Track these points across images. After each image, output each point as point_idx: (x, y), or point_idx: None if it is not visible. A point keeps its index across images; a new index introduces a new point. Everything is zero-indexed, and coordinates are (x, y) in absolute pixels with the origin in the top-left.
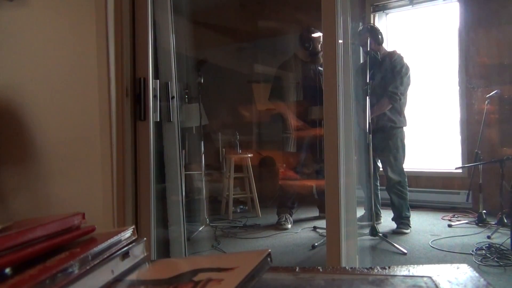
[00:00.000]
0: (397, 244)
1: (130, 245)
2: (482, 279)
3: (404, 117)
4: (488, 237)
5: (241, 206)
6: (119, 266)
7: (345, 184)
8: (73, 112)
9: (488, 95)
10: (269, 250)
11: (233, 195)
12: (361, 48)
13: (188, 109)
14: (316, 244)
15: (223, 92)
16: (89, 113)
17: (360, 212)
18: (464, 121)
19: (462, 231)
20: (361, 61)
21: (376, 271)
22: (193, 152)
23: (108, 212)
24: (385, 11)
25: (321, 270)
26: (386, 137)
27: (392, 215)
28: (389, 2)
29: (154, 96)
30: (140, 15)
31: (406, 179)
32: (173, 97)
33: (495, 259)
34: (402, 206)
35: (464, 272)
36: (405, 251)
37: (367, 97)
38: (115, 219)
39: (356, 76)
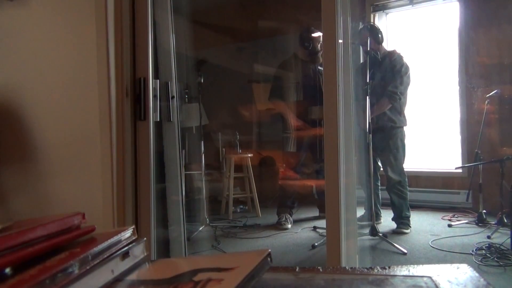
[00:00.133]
0: (397, 244)
1: (130, 245)
2: (482, 279)
3: (404, 116)
4: (488, 237)
5: (241, 206)
6: (119, 266)
7: (345, 184)
8: (73, 112)
9: (488, 95)
10: (269, 250)
11: (233, 195)
12: (361, 48)
13: (188, 109)
14: (316, 244)
15: (223, 92)
16: (89, 113)
17: (360, 212)
18: (464, 121)
19: (462, 231)
20: (361, 61)
21: (376, 271)
22: (193, 152)
23: (108, 212)
24: (385, 10)
25: (321, 270)
26: (386, 137)
27: (392, 215)
28: (389, 2)
29: (154, 96)
30: (140, 15)
31: (406, 179)
32: (173, 97)
33: (495, 259)
34: (402, 206)
35: (464, 272)
36: (405, 251)
37: (367, 97)
38: (115, 219)
39: (356, 76)
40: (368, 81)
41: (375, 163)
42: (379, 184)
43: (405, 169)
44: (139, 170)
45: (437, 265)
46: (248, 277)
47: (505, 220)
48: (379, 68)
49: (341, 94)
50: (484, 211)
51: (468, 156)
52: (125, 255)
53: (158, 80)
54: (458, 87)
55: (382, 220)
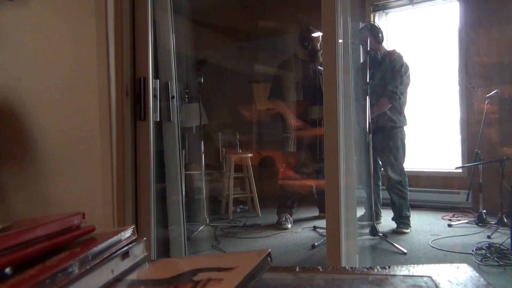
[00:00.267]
0: (397, 244)
1: (130, 245)
2: (482, 279)
3: (404, 116)
4: (488, 237)
5: (241, 206)
6: (119, 266)
7: (345, 184)
8: (73, 112)
9: (488, 95)
10: (269, 250)
11: (233, 195)
12: (360, 47)
13: (188, 109)
14: (316, 244)
15: (223, 92)
16: (89, 113)
17: (360, 211)
18: (464, 121)
19: (462, 230)
20: (361, 61)
21: (376, 271)
22: (193, 152)
23: (108, 212)
24: (385, 10)
25: (321, 270)
26: (386, 136)
27: (392, 214)
28: (389, 2)
29: (154, 96)
30: (140, 15)
31: (407, 179)
32: (173, 97)
33: (495, 258)
34: (402, 206)
35: (464, 272)
36: (405, 251)
37: (367, 97)
38: (115, 219)
39: (356, 76)
40: (368, 81)
41: (376, 162)
42: (380, 183)
43: (405, 169)
44: (139, 170)
45: (437, 265)
46: (248, 277)
47: (505, 220)
48: (379, 68)
49: (341, 94)
50: (484, 211)
51: (468, 156)
52: (125, 255)
53: (158, 80)
54: (458, 87)
55: (382, 220)
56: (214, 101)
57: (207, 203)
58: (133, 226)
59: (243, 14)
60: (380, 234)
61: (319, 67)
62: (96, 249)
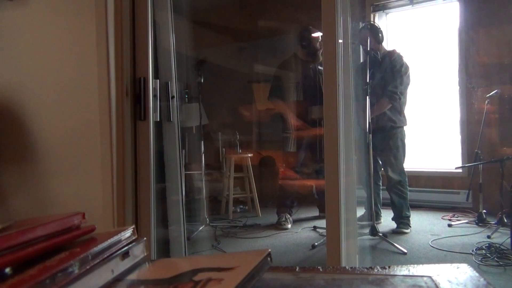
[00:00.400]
0: (397, 243)
1: (130, 245)
2: (482, 279)
3: (404, 116)
4: (488, 237)
5: (241, 206)
6: (119, 266)
7: (345, 184)
8: (73, 112)
9: (488, 95)
10: (269, 250)
11: (233, 195)
12: (360, 47)
13: (188, 109)
14: (316, 243)
15: (223, 92)
16: (89, 113)
17: (360, 211)
18: (464, 121)
19: (462, 230)
20: (361, 61)
21: (376, 270)
22: (193, 152)
23: (108, 212)
24: (385, 10)
25: (321, 270)
26: (386, 136)
27: (392, 214)
28: (389, 2)
29: (154, 96)
30: (140, 15)
31: (407, 179)
32: (173, 97)
33: (495, 258)
34: (402, 206)
35: (464, 272)
36: (405, 251)
37: (367, 97)
38: (115, 219)
39: (356, 76)
40: (368, 81)
41: (376, 162)
42: (380, 183)
43: (405, 169)
44: (139, 170)
45: (437, 265)
46: (248, 277)
47: (505, 220)
48: (379, 68)
49: (341, 94)
50: (484, 211)
51: (468, 156)
52: (125, 255)
53: (158, 80)
54: (458, 87)
55: (382, 220)
56: (214, 101)
57: (207, 203)
58: (133, 226)
59: (243, 14)
60: (380, 234)
61: (319, 67)
62: (96, 249)
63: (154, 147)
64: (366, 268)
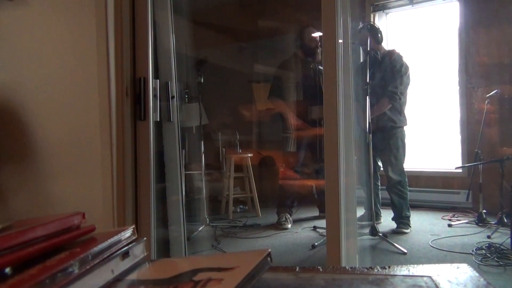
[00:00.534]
0: (397, 244)
1: (130, 245)
2: (482, 279)
3: (404, 116)
4: (488, 237)
5: (241, 206)
6: (119, 266)
7: (345, 184)
8: (73, 112)
9: (488, 95)
10: (269, 250)
11: (233, 195)
12: (360, 48)
13: (188, 109)
14: (316, 243)
15: (223, 92)
16: (89, 113)
17: (360, 212)
18: (464, 121)
19: (462, 230)
20: (361, 60)
21: (376, 270)
22: (193, 152)
23: (108, 212)
24: (385, 10)
25: (321, 270)
26: (386, 136)
27: (392, 214)
28: (389, 2)
29: (154, 96)
30: (140, 15)
31: (407, 179)
32: (173, 97)
33: (495, 258)
34: (402, 206)
35: (464, 272)
36: (405, 251)
37: (367, 97)
38: (115, 219)
39: (356, 76)
40: (368, 81)
41: (375, 163)
42: (379, 184)
43: (405, 169)
44: (139, 170)
45: (437, 265)
46: (248, 277)
47: (505, 220)
48: (379, 68)
49: (341, 94)
50: (484, 211)
51: (468, 156)
52: (125, 255)
53: (158, 80)
54: (458, 87)
55: (382, 220)
56: (214, 101)
57: (207, 203)
58: (133, 226)
59: (243, 14)
60: (380, 234)
61: (319, 67)
62: (96, 249)
63: (154, 147)
64: (366, 268)
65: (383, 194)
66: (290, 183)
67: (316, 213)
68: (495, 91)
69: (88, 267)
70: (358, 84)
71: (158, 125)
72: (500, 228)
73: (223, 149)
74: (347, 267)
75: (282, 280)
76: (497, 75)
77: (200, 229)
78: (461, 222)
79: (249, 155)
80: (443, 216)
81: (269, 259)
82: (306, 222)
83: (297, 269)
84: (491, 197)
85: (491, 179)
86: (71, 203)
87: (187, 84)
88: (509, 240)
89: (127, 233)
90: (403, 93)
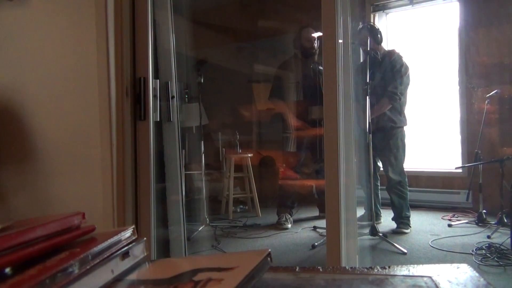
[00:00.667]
0: (397, 244)
1: (130, 245)
2: (482, 279)
3: (404, 116)
4: (488, 237)
5: (241, 206)
6: (119, 266)
7: (345, 184)
8: (73, 112)
9: (488, 95)
10: (269, 250)
11: (233, 195)
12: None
13: (188, 109)
14: (316, 243)
15: (223, 92)
16: (89, 113)
17: (360, 211)
18: (464, 121)
19: (462, 231)
20: (361, 60)
21: (376, 271)
22: (193, 152)
23: (108, 212)
24: (385, 10)
25: (321, 270)
26: (386, 137)
27: (392, 215)
28: (389, 2)
29: (154, 96)
30: (140, 15)
31: (406, 179)
32: (173, 97)
33: (495, 258)
34: (402, 206)
35: (464, 272)
36: (405, 251)
37: (367, 97)
38: (115, 219)
39: (356, 76)
40: (368, 81)
41: (375, 163)
42: (379, 184)
43: (405, 169)
44: (139, 170)
45: (437, 265)
46: (248, 277)
47: (505, 220)
48: (378, 68)
49: (341, 94)
50: (484, 211)
51: (468, 156)
52: (125, 255)
53: (158, 80)
54: (458, 87)
55: (382, 220)
56: (214, 101)
57: (207, 203)
58: (133, 226)
59: (243, 14)
60: (380, 234)
61: (320, 67)
62: (96, 249)
63: (154, 147)
64: (366, 268)
65: (383, 194)
66: (290, 183)
67: (316, 213)
68: (495, 91)
69: (88, 267)
70: (358, 84)
71: (158, 125)
72: (500, 228)
73: (223, 149)
74: (347, 267)
75: (282, 280)
76: (497, 75)
77: (200, 229)
78: (461, 222)
79: (249, 155)
80: (443, 216)
81: (269, 259)
82: (306, 222)
83: (297, 269)
84: (491, 197)
85: (491, 179)
86: (71, 203)
87: (187, 84)
88: (509, 240)
89: (127, 233)
90: (403, 93)
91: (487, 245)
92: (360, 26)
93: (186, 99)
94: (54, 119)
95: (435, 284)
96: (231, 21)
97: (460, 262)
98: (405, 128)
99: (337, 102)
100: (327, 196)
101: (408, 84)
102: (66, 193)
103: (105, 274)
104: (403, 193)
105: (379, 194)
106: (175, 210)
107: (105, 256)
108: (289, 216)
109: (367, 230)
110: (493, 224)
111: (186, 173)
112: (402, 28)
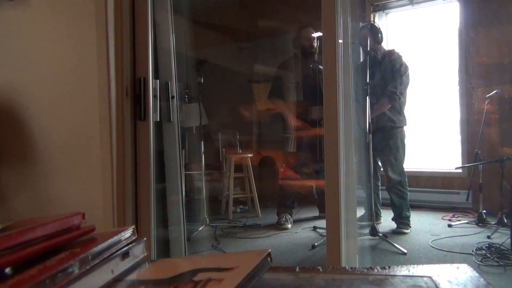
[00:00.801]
0: (397, 244)
1: (130, 245)
2: (482, 279)
3: (404, 116)
4: (488, 237)
5: (241, 206)
6: (119, 266)
7: (345, 184)
8: (73, 112)
9: (488, 95)
10: (269, 250)
11: (233, 195)
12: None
13: (188, 109)
14: (316, 244)
15: (223, 92)
16: (89, 113)
17: (360, 212)
18: (464, 121)
19: (462, 231)
20: (361, 60)
21: (376, 271)
22: (193, 152)
23: (108, 212)
24: (385, 11)
25: (321, 270)
26: (386, 137)
27: (392, 215)
28: (389, 2)
29: (154, 96)
30: (140, 15)
31: (406, 179)
32: (173, 97)
33: (495, 259)
34: (402, 206)
35: (464, 272)
36: (405, 251)
37: (367, 97)
38: (115, 219)
39: (356, 76)
40: (368, 81)
41: (375, 163)
42: (379, 184)
43: (405, 169)
44: (139, 170)
45: (437, 265)
46: (248, 277)
47: (505, 220)
48: (378, 68)
49: (341, 94)
50: (484, 211)
51: (468, 156)
52: (125, 255)
53: (158, 80)
54: (458, 87)
55: (382, 220)
56: (214, 101)
57: (207, 203)
58: (133, 226)
59: (243, 14)
60: (380, 234)
61: (320, 67)
62: (96, 249)
63: (154, 147)
64: (366, 268)
65: (383, 194)
66: (290, 183)
67: (316, 213)
68: (495, 91)
69: (88, 267)
70: (358, 84)
71: (158, 125)
72: (500, 228)
73: (223, 149)
74: (347, 267)
75: (282, 280)
76: (497, 75)
77: (200, 229)
78: (461, 222)
79: (249, 155)
80: (443, 216)
81: (269, 259)
82: (306, 222)
83: (297, 269)
84: (491, 197)
85: (491, 179)
86: (71, 203)
87: (187, 84)
88: (509, 240)
89: (127, 233)
90: (403, 93)
91: (487, 245)
92: (361, 25)
93: (186, 99)
94: (54, 119)
95: (435, 284)
96: (231, 21)
97: (460, 262)
98: (405, 128)
99: (337, 102)
100: (327, 196)
101: (407, 84)
102: (66, 193)
103: (105, 274)
104: (403, 193)
105: (380, 194)
106: (175, 210)
107: (105, 256)
108: (289, 216)
109: (367, 230)
110: (493, 224)
111: (186, 173)
112: (402, 28)
